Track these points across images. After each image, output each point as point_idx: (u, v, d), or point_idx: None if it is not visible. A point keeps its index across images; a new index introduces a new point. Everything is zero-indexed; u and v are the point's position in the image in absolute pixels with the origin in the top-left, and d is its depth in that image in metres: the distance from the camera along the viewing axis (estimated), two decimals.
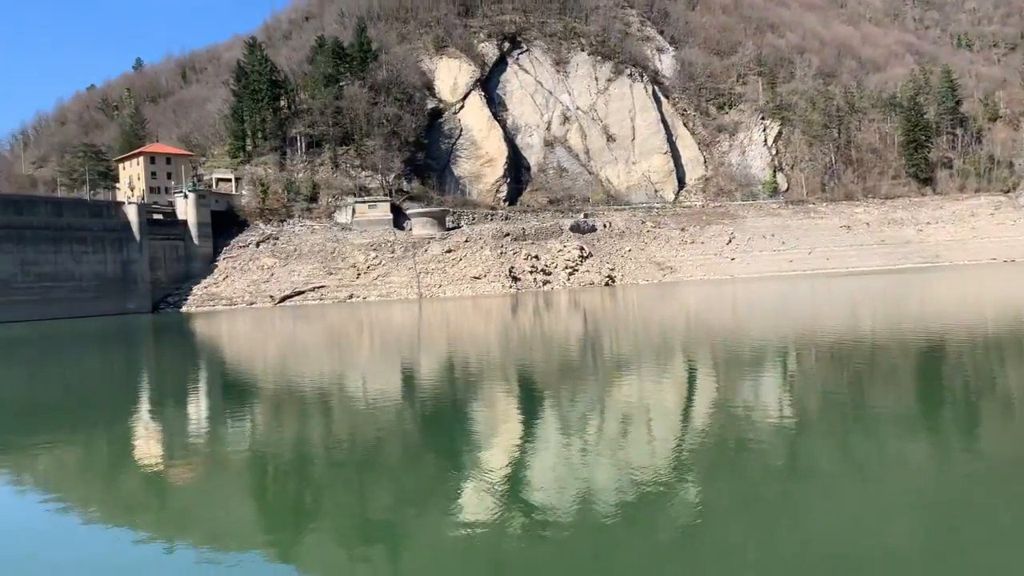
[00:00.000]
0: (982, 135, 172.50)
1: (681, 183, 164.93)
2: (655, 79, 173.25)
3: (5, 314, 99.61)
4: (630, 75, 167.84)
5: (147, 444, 16.52)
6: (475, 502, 10.55)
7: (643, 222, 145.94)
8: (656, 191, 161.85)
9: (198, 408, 21.18)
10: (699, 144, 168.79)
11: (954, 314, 38.64)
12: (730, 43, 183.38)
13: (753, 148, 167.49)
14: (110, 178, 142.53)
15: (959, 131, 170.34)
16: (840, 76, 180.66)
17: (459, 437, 15.08)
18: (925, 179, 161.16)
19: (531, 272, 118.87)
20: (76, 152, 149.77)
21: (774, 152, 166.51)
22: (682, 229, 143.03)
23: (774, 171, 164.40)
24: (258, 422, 18.20)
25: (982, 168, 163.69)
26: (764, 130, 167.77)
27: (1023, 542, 8.30)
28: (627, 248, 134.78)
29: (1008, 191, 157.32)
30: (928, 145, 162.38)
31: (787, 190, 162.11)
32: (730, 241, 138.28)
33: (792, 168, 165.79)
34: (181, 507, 11.49)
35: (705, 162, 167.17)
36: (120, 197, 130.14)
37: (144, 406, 22.18)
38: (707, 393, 19.01)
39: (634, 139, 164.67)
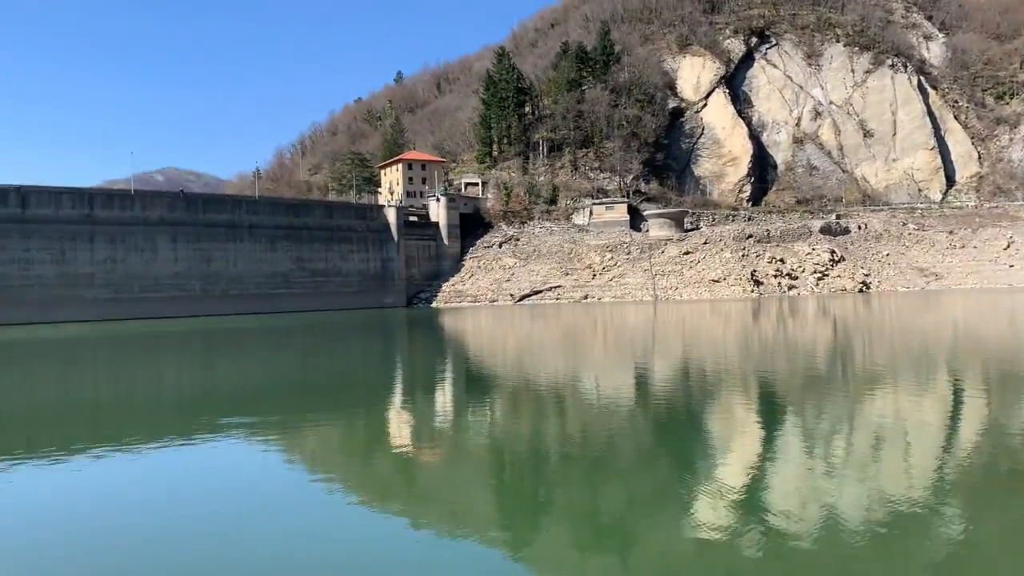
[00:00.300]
0: None
1: (949, 181, 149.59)
2: (921, 69, 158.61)
3: (285, 304, 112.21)
4: (891, 65, 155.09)
5: (399, 428, 17.79)
6: (709, 512, 10.22)
7: (904, 224, 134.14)
8: (919, 190, 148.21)
9: (444, 396, 22.48)
10: (972, 138, 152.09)
11: None
12: (1013, 25, 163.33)
13: None
14: (373, 183, 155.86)
15: None
16: None
17: (693, 443, 14.72)
18: None
19: (775, 276, 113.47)
20: (344, 160, 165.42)
21: None
22: (950, 232, 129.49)
23: None
24: (497, 413, 18.96)
25: None
26: None
27: None
28: (884, 252, 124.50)
29: None
30: None
31: None
32: (1008, 246, 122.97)
33: None
34: (426, 490, 12.22)
35: (979, 158, 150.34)
36: (381, 200, 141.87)
37: (398, 392, 23.93)
38: (976, 415, 17.03)
39: (895, 134, 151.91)
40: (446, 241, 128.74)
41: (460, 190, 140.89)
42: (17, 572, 8.39)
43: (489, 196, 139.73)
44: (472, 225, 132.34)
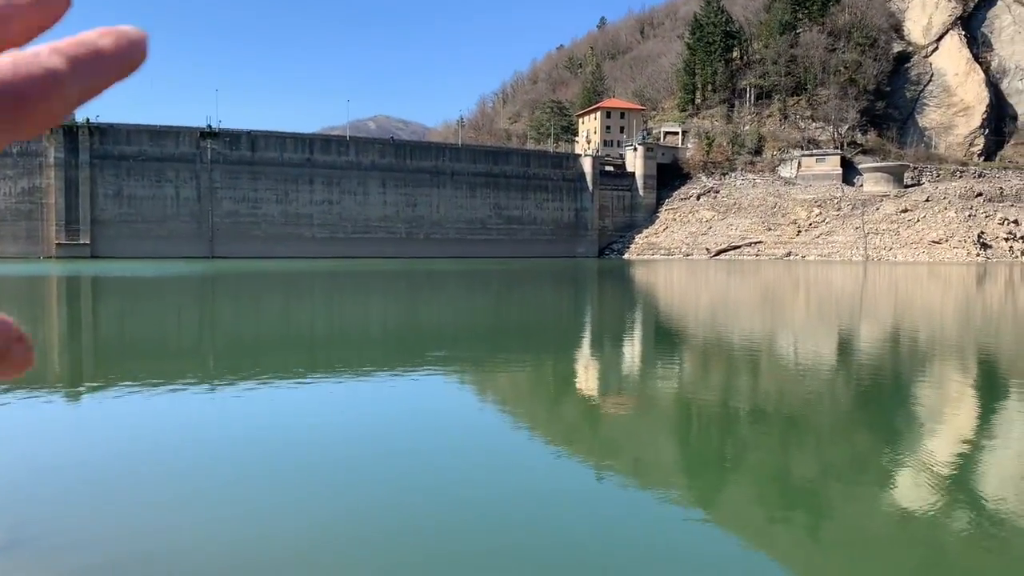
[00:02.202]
0: None
1: None
2: None
3: (481, 250, 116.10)
4: None
5: (586, 375, 18.00)
6: (910, 487, 9.55)
7: None
8: None
9: (632, 347, 22.44)
10: None
11: None
12: None
13: None
14: (570, 132, 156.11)
15: None
16: None
17: (896, 415, 13.75)
18: None
19: (1007, 239, 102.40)
20: (544, 108, 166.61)
21: None
22: None
23: None
24: (687, 368, 18.68)
25: None
26: None
27: None
28: None
29: None
30: None
31: None
32: None
33: None
34: (612, 439, 12.32)
35: None
36: (577, 150, 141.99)
37: (587, 340, 24.18)
38: None
39: None
40: (641, 192, 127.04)
41: (659, 139, 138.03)
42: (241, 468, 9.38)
43: (689, 146, 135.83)
44: (669, 176, 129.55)
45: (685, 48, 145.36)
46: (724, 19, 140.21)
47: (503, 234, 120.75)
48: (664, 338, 25.18)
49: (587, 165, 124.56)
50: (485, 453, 10.85)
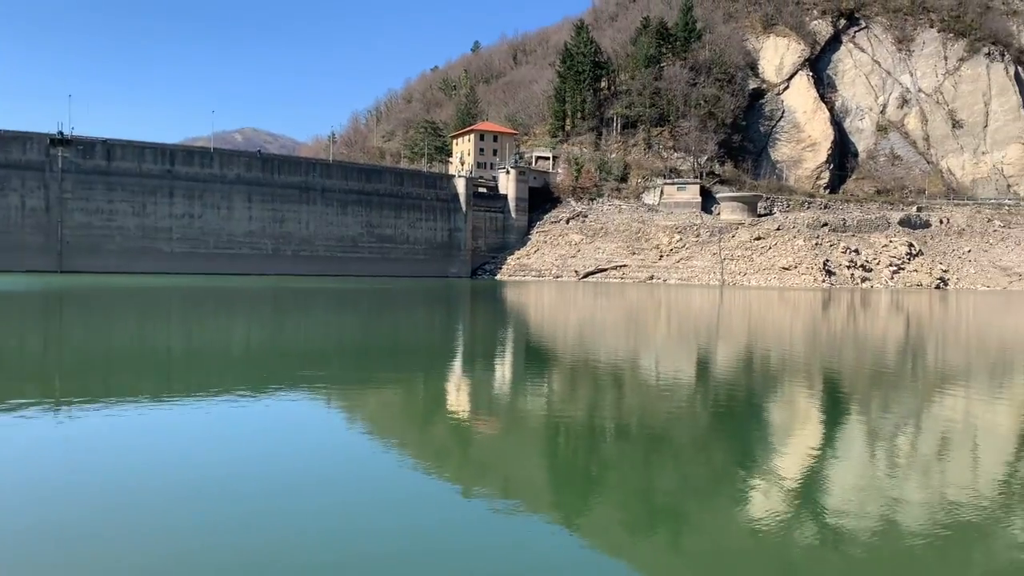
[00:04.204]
0: None
1: None
2: (1019, 59, 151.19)
3: (352, 268, 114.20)
4: (988, 54, 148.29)
5: (457, 395, 17.97)
6: (763, 501, 10.08)
7: (989, 220, 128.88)
8: (1009, 186, 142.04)
9: (503, 366, 22.61)
10: None
11: None
12: None
13: None
14: (444, 152, 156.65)
15: None
16: None
17: (752, 431, 14.50)
18: None
19: (848, 267, 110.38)
20: (418, 128, 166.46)
21: None
22: None
23: None
24: (554, 387, 18.99)
25: None
26: None
27: None
28: (966, 248, 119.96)
29: None
30: None
31: None
32: None
33: None
34: (480, 458, 12.34)
35: None
36: (451, 171, 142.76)
37: (458, 359, 24.17)
38: None
39: (986, 126, 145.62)
40: (514, 214, 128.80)
41: (531, 163, 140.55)
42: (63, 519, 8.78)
43: (559, 171, 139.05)
44: (540, 199, 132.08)
45: (556, 76, 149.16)
46: (593, 50, 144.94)
47: (375, 253, 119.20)
48: (534, 358, 25.53)
49: (461, 186, 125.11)
50: (353, 477, 10.63)
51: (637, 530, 9.17)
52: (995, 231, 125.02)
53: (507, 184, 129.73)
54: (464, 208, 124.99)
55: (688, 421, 15.35)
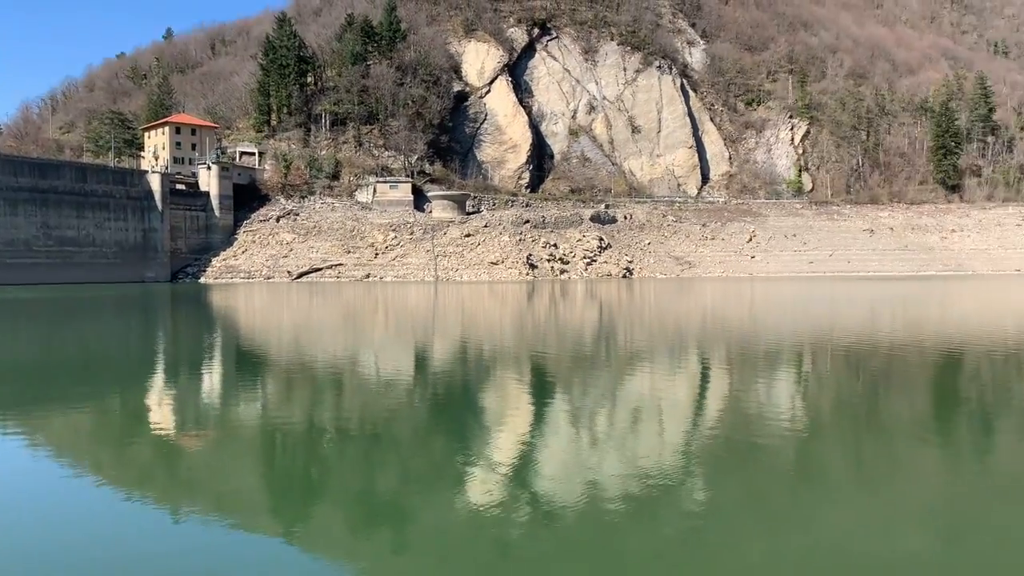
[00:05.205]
0: (1013, 144, 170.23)
1: (705, 178, 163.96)
2: (684, 72, 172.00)
3: (27, 276, 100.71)
4: (659, 67, 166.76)
5: (159, 411, 16.61)
6: (481, 486, 10.53)
7: (664, 216, 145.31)
8: (679, 185, 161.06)
9: (210, 378, 21.30)
10: (725, 140, 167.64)
11: (979, 323, 38.13)
12: (762, 39, 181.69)
13: (779, 146, 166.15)
14: (135, 146, 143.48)
15: (990, 139, 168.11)
16: (872, 78, 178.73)
17: (468, 421, 15.06)
18: (952, 186, 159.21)
19: (549, 260, 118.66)
20: (103, 119, 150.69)
21: (800, 151, 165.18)
22: (703, 225, 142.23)
23: (799, 171, 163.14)
24: (269, 394, 18.28)
25: (1012, 178, 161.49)
26: (791, 129, 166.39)
27: None
28: (646, 241, 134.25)
29: None
30: (957, 152, 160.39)
31: (811, 190, 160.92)
32: (751, 239, 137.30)
33: (818, 168, 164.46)
34: (189, 475, 11.53)
35: (730, 158, 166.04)
36: (144, 166, 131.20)
37: (157, 374, 22.32)
38: (720, 391, 18.87)
39: (660, 132, 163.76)
40: (218, 213, 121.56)
41: (235, 159, 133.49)
42: None
43: (267, 167, 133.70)
44: (248, 197, 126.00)
45: (259, 69, 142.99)
46: (297, 44, 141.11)
47: (56, 258, 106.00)
48: (245, 364, 24.35)
49: (155, 183, 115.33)
50: (40, 515, 9.40)
51: (358, 531, 9.12)
52: (669, 225, 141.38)
53: (209, 181, 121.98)
54: (160, 206, 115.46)
55: (407, 416, 15.57)
